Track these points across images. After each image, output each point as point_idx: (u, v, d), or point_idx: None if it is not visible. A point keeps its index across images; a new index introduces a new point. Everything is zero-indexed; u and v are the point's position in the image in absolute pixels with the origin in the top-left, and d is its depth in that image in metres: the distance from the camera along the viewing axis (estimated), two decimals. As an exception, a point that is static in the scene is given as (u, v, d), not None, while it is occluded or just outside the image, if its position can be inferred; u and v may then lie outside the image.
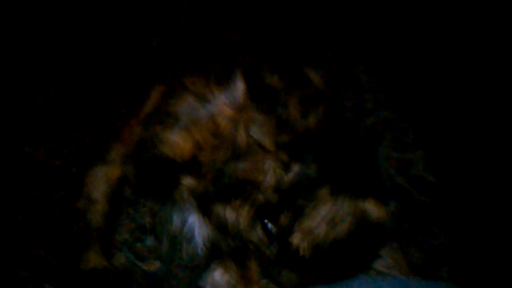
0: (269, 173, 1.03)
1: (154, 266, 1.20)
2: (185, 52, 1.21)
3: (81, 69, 1.68)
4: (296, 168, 1.02)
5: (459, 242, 1.32)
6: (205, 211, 1.11)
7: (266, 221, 1.06)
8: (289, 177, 1.03)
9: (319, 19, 2.16)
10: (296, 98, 1.05)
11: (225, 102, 1.04)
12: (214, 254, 1.15)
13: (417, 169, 1.48)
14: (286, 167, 1.02)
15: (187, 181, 1.09)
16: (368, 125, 1.56)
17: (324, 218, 0.99)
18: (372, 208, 1.01)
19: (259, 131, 1.03)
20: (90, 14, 1.81)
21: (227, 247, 1.12)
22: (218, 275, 1.15)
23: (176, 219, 1.17)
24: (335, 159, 1.03)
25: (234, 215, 1.07)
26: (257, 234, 1.11)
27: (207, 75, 1.06)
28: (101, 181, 1.17)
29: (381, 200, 1.03)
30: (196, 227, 1.14)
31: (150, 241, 1.22)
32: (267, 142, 1.03)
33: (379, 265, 1.24)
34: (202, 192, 1.08)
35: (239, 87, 1.05)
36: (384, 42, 2.07)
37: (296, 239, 1.01)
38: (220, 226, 1.10)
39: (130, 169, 1.15)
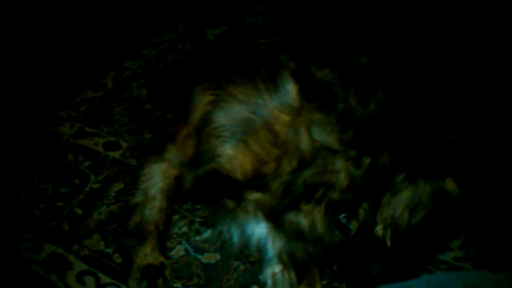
0: (341, 173, 0.96)
1: (213, 258, 1.18)
2: (225, 60, 1.16)
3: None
4: (367, 161, 0.95)
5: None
6: (276, 222, 1.05)
7: (342, 216, 0.99)
8: (361, 171, 0.95)
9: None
10: (352, 88, 0.97)
11: (278, 108, 0.99)
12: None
13: (488, 156, 1.40)
14: (357, 163, 0.96)
15: (253, 196, 1.04)
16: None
17: (406, 205, 0.92)
18: (452, 187, 0.93)
19: (322, 132, 0.96)
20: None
21: (305, 255, 1.05)
22: (279, 272, 1.11)
23: (239, 235, 1.13)
24: (406, 142, 0.94)
25: (310, 220, 1.00)
26: (337, 236, 1.04)
27: (255, 82, 1.01)
28: (158, 178, 1.15)
29: (458, 176, 0.95)
30: (269, 239, 1.09)
31: (208, 234, 1.21)
32: (334, 142, 0.96)
33: (449, 257, 1.17)
34: (271, 204, 1.02)
35: (290, 89, 0.99)
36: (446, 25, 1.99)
37: (380, 231, 0.94)
38: (296, 234, 1.03)
39: (189, 178, 1.12)
